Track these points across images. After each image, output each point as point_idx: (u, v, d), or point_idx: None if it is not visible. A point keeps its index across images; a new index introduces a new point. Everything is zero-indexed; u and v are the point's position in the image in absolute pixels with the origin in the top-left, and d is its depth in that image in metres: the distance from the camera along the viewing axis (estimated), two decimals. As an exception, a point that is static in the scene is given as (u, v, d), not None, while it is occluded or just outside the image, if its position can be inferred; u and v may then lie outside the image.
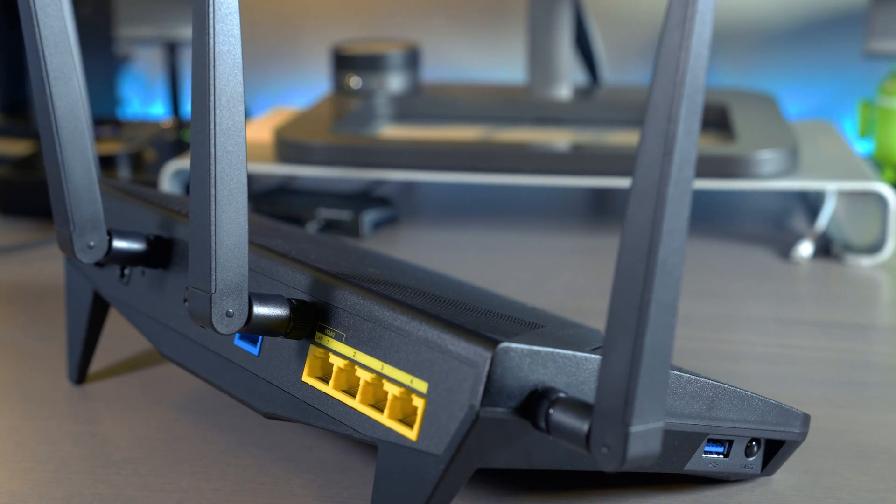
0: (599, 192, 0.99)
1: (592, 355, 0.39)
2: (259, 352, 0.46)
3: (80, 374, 0.58)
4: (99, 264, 0.55)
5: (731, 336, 0.66)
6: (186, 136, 1.00)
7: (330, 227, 0.85)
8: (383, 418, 0.40)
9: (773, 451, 0.47)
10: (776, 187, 0.79)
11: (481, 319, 0.41)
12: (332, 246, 0.55)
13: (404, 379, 0.39)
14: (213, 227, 0.40)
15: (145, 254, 0.51)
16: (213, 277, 0.40)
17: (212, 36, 0.39)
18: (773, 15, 1.13)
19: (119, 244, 0.50)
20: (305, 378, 0.43)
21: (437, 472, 0.38)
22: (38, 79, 0.47)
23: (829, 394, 0.57)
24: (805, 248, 0.80)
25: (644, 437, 0.34)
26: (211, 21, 0.39)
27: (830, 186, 0.79)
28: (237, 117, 0.40)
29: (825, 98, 1.14)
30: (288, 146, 0.84)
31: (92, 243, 0.49)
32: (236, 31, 0.39)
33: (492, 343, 0.37)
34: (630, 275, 0.34)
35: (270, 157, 0.86)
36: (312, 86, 1.21)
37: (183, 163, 0.85)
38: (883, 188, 0.78)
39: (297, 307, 0.43)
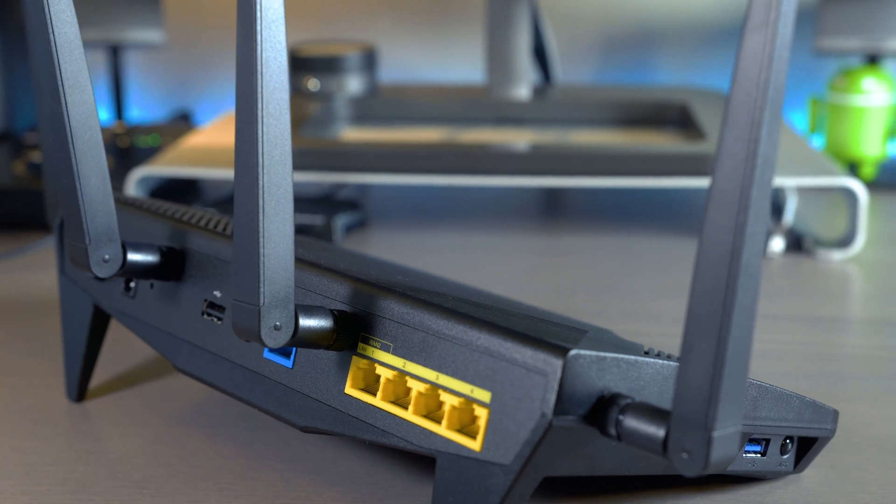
0: (557, 192, 1.00)
1: (651, 359, 0.39)
2: (293, 364, 0.44)
3: (80, 392, 0.56)
4: (100, 277, 0.54)
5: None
6: (140, 141, 0.98)
7: (301, 232, 0.83)
8: (441, 429, 0.39)
9: (805, 448, 0.48)
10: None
11: (537, 326, 0.41)
12: (348, 253, 0.54)
13: (464, 389, 0.39)
14: (261, 239, 0.39)
15: (159, 266, 0.49)
16: (262, 290, 0.39)
17: (259, 43, 0.38)
18: (720, 12, 1.15)
19: (133, 257, 0.48)
20: (349, 390, 0.42)
21: (506, 482, 0.37)
22: (52, 87, 0.45)
23: (834, 389, 0.58)
24: (776, 244, 0.81)
25: (725, 441, 0.34)
26: (258, 27, 0.38)
27: (804, 182, 0.80)
28: (283, 125, 0.39)
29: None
30: (257, 151, 0.83)
31: (107, 256, 0.47)
32: (282, 37, 0.38)
33: (561, 351, 0.36)
34: (712, 279, 0.34)
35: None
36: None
37: (149, 169, 0.83)
38: (853, 183, 0.79)
39: (339, 318, 0.42)
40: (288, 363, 0.45)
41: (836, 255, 0.80)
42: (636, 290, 0.74)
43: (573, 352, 0.36)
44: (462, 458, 0.38)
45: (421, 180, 0.83)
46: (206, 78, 1.20)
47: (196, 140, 0.94)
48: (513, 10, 0.96)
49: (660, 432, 0.35)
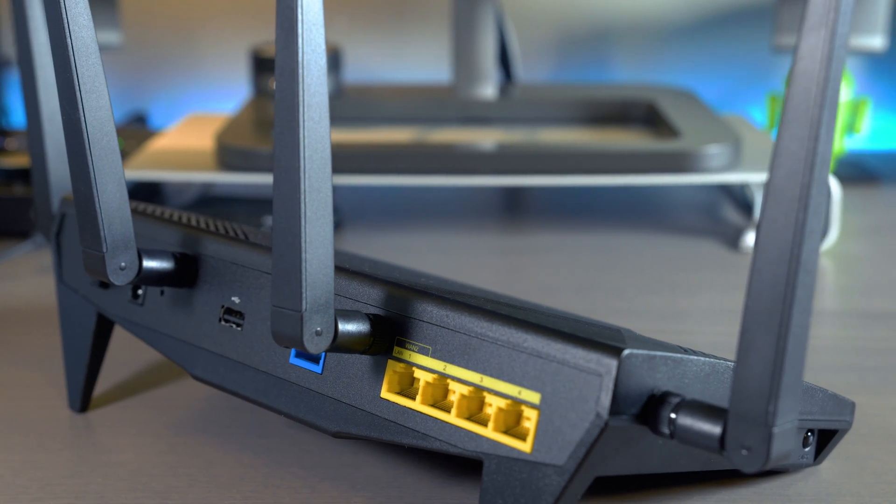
0: (523, 191, 1.00)
1: (694, 356, 0.39)
2: (322, 369, 0.44)
3: (84, 402, 0.55)
4: (104, 285, 0.53)
5: (713, 328, 0.67)
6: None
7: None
8: (488, 432, 0.39)
9: (823, 440, 0.48)
10: (731, 181, 0.81)
11: (580, 327, 0.41)
12: (361, 257, 0.54)
13: (510, 391, 0.39)
14: (303, 244, 0.38)
15: (174, 272, 0.48)
16: (304, 295, 0.39)
17: (300, 46, 0.37)
18: (675, 11, 1.16)
19: (149, 264, 0.47)
20: (385, 394, 0.42)
21: (560, 482, 0.37)
22: (68, 93, 0.44)
23: (834, 381, 0.59)
24: (750, 239, 0.82)
25: (784, 437, 0.35)
26: (299, 30, 0.37)
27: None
28: (324, 129, 0.39)
29: (723, 92, 1.18)
30: (233, 153, 0.82)
31: (123, 264, 0.46)
32: (322, 40, 0.38)
33: (615, 351, 0.37)
34: (771, 276, 0.34)
35: (209, 164, 0.84)
36: (213, 89, 1.18)
37: (122, 174, 0.81)
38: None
39: (375, 322, 0.42)
40: (317, 368, 0.44)
41: (811, 249, 0.81)
42: (620, 287, 0.75)
43: (627, 351, 0.37)
44: (512, 459, 0.38)
45: (390, 181, 0.82)
46: (161, 80, 1.19)
47: (161, 143, 0.92)
48: (478, 10, 0.96)
49: (716, 429, 0.36)
